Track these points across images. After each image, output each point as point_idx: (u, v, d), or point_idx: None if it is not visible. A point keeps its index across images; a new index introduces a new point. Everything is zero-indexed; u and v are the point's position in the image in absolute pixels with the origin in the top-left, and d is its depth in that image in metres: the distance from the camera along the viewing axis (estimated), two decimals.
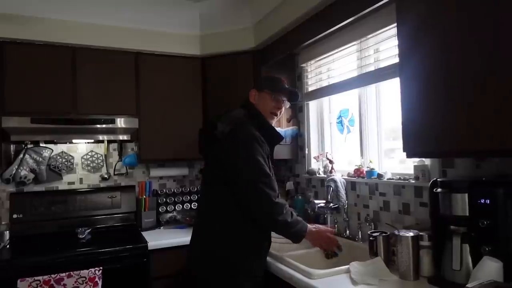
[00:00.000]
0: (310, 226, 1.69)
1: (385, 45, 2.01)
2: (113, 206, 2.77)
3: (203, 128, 1.84)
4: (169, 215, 2.87)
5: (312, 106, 2.74)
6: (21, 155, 2.53)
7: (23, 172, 2.52)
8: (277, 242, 2.00)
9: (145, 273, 2.27)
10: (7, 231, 2.45)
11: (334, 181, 2.22)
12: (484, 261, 1.24)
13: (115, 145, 2.93)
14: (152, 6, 2.65)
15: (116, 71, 2.62)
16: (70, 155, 2.78)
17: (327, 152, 2.53)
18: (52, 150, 2.69)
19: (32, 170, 2.57)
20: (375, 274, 1.54)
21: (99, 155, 2.88)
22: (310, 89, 2.71)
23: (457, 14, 1.24)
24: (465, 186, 1.36)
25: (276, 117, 1.84)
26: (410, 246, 1.52)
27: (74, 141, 2.74)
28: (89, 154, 2.86)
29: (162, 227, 2.79)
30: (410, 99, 1.42)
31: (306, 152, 2.74)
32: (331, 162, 2.41)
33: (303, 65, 2.73)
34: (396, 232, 1.59)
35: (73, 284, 2.02)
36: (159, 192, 2.95)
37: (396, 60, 1.69)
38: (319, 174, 2.57)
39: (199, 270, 1.71)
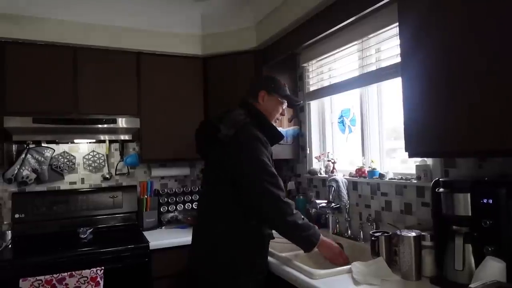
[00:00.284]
0: (323, 237, 1.68)
1: (386, 45, 2.01)
2: (114, 206, 2.77)
3: (201, 128, 1.84)
4: (171, 215, 2.87)
5: (314, 106, 2.74)
6: (23, 155, 2.53)
7: (25, 172, 2.53)
8: (279, 242, 2.00)
9: (146, 273, 2.27)
10: (9, 231, 2.46)
11: (336, 181, 2.22)
12: (487, 261, 1.24)
13: (116, 145, 2.94)
14: (154, 6, 2.65)
15: (118, 71, 2.63)
16: (71, 155, 2.79)
17: (328, 152, 2.53)
18: (54, 150, 2.69)
19: (34, 170, 2.58)
20: (377, 274, 1.53)
21: (100, 155, 2.89)
22: (311, 88, 2.71)
23: (459, 13, 1.23)
24: (467, 186, 1.35)
25: (278, 120, 1.90)
26: (412, 246, 1.51)
27: (75, 141, 2.75)
28: (90, 154, 2.86)
29: (163, 227, 2.80)
30: (412, 98, 1.42)
31: (308, 152, 2.74)
32: (332, 162, 2.41)
33: (305, 64, 2.73)
34: (398, 232, 1.59)
35: (75, 284, 2.02)
36: (160, 192, 2.95)
37: (398, 59, 1.69)
38: (320, 174, 2.57)
39: (201, 270, 1.71)
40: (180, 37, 2.81)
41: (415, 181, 1.81)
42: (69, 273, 2.02)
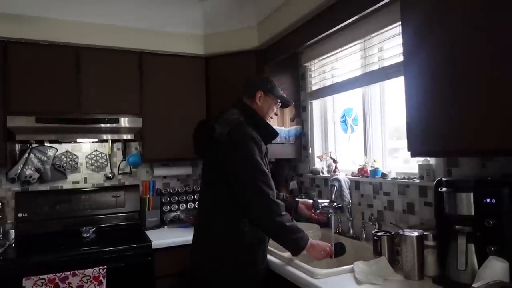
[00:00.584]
0: (311, 239, 1.66)
1: (389, 44, 2.00)
2: (117, 205, 2.78)
3: (199, 129, 1.85)
4: (173, 214, 2.87)
5: (316, 105, 2.74)
6: (26, 155, 2.54)
7: (28, 172, 2.54)
8: None
9: (149, 272, 2.27)
10: (12, 230, 2.47)
11: (338, 180, 2.22)
12: (490, 261, 1.23)
13: (119, 145, 2.94)
14: (156, 5, 2.66)
15: (120, 71, 2.63)
16: (74, 155, 2.80)
17: (330, 152, 2.52)
18: (57, 150, 2.70)
19: (37, 170, 2.58)
20: (379, 273, 1.53)
21: (103, 155, 2.89)
22: (313, 88, 2.70)
23: (462, 11, 1.22)
24: (470, 185, 1.35)
25: (271, 119, 1.93)
26: (415, 245, 1.51)
27: (78, 140, 2.75)
28: (93, 153, 2.87)
29: (166, 226, 2.80)
30: (415, 97, 1.41)
31: (310, 151, 2.73)
32: (335, 161, 2.41)
33: (307, 64, 2.73)
34: (400, 232, 1.59)
35: (77, 283, 2.03)
36: (163, 191, 2.96)
37: (401, 58, 1.68)
38: (322, 173, 2.57)
39: (201, 270, 1.72)
40: (182, 37, 2.81)
41: (418, 181, 1.80)
42: (72, 272, 2.02)
